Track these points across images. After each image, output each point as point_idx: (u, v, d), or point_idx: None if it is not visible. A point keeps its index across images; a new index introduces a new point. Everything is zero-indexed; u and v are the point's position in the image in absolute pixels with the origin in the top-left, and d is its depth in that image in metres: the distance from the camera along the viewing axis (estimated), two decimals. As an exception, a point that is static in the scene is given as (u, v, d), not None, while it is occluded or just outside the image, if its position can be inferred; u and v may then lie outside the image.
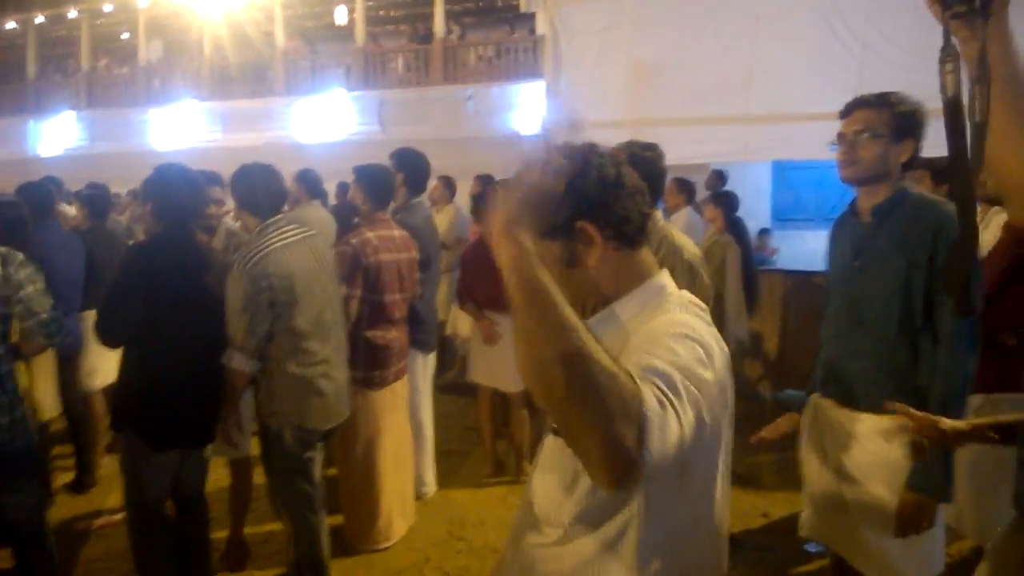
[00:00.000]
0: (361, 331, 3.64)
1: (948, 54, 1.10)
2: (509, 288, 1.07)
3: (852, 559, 2.45)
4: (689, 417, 1.09)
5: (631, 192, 1.32)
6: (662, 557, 1.29)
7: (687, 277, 2.74)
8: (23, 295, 2.81)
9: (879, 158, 2.29)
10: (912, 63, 6.34)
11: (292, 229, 3.23)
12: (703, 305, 1.37)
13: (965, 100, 1.14)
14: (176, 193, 3.05)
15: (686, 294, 1.37)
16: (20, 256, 2.86)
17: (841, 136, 2.34)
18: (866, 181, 2.35)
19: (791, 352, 6.11)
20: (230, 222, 4.01)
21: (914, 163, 2.38)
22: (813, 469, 2.56)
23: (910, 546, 2.28)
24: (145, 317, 2.88)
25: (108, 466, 4.87)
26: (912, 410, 1.95)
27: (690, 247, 2.85)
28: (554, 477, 1.35)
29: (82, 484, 4.66)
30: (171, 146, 14.36)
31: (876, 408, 2.31)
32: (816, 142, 7.70)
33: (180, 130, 14.83)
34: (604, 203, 1.29)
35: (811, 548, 3.80)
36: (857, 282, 2.39)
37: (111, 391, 4.90)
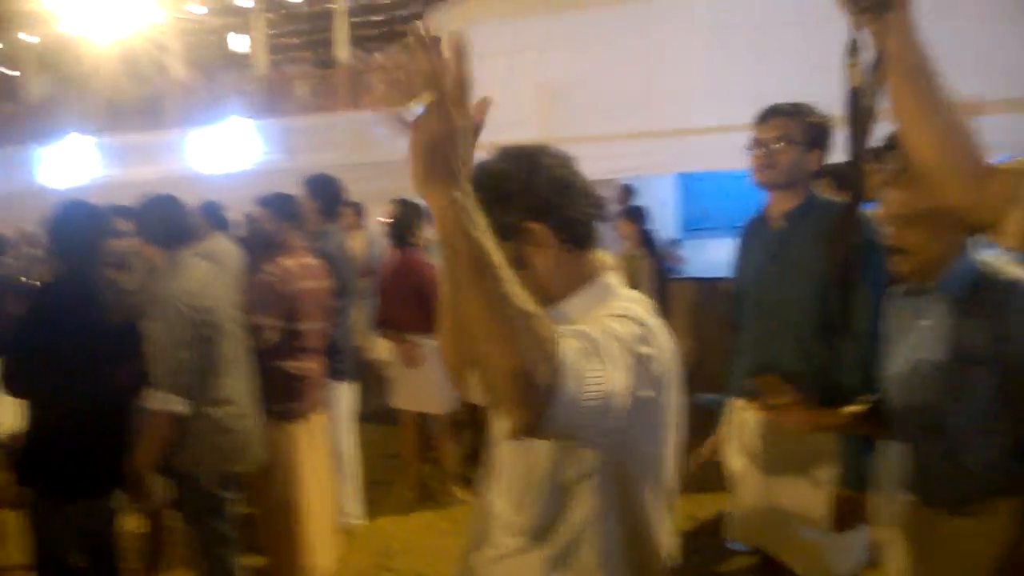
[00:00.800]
0: (278, 361, 3.54)
1: (852, 47, 1.17)
2: (440, 238, 1.05)
3: (785, 556, 2.50)
4: (619, 379, 1.08)
5: (582, 194, 1.31)
6: (619, 564, 1.28)
7: None
8: None
9: (793, 165, 2.36)
10: (803, 74, 6.65)
11: (203, 262, 3.17)
12: (649, 301, 1.38)
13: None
14: (81, 230, 2.91)
15: (633, 292, 1.37)
16: None
17: (757, 141, 2.40)
18: (780, 186, 2.42)
19: (705, 357, 6.26)
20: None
21: (821, 172, 2.48)
22: (740, 472, 2.59)
23: (839, 539, 2.35)
24: (51, 362, 2.74)
25: (9, 523, 4.58)
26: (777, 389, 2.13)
27: (609, 260, 2.88)
28: (508, 483, 1.33)
29: (-19, 544, 4.36)
30: (63, 183, 13.73)
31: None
32: (718, 153, 7.98)
33: (72, 166, 14.20)
34: (556, 204, 1.28)
35: (737, 547, 3.88)
36: (773, 287, 2.44)
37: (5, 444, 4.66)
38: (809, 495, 2.38)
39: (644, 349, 1.16)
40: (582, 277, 1.34)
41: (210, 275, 3.09)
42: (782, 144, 2.34)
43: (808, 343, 2.37)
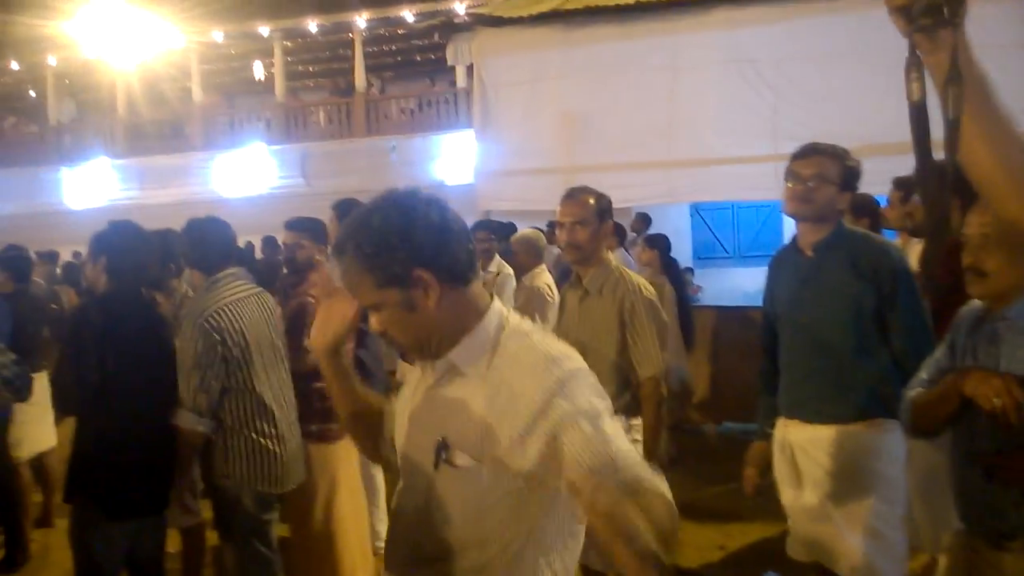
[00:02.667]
0: (317, 383, 3.59)
1: (913, 63, 1.18)
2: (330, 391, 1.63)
3: (836, 566, 2.57)
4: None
5: (458, 235, 1.39)
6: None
7: (651, 314, 2.87)
8: None
9: (829, 202, 2.53)
10: (821, 109, 6.76)
11: (241, 285, 3.21)
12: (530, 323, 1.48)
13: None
14: (131, 250, 3.00)
15: (515, 315, 1.47)
16: None
17: (796, 175, 2.55)
18: (814, 220, 2.58)
19: (725, 385, 6.30)
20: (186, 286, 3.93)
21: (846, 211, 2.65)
22: (791, 490, 2.69)
23: (886, 549, 2.47)
24: (99, 379, 2.80)
25: (38, 540, 4.63)
26: None
27: (647, 286, 2.99)
28: (450, 506, 1.39)
29: (14, 561, 4.39)
30: (85, 204, 13.92)
31: (841, 420, 2.52)
32: (735, 184, 8.04)
33: (94, 188, 14.40)
34: (435, 249, 1.36)
35: (770, 576, 3.89)
36: (810, 311, 2.59)
37: (36, 462, 4.72)
38: (858, 502, 2.49)
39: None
40: (472, 311, 1.41)
41: (242, 297, 3.14)
42: (821, 181, 2.51)
43: (847, 361, 2.52)
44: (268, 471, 3.11)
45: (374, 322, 1.41)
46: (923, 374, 2.07)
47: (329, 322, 1.56)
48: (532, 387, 1.30)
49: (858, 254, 2.53)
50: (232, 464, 3.05)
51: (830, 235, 2.57)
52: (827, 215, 2.55)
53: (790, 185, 2.57)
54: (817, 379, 2.57)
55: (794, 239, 2.72)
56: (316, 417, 3.57)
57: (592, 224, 2.98)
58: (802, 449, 2.61)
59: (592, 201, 3.02)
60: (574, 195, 3.06)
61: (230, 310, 3.04)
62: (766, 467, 2.79)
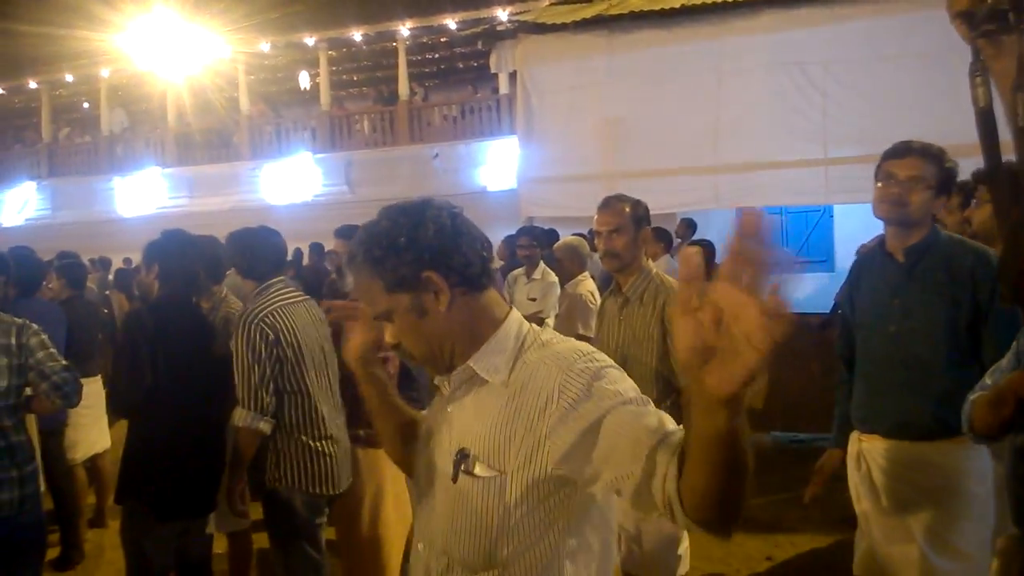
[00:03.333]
0: (364, 388, 3.61)
1: (977, 69, 1.16)
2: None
3: None
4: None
5: (470, 239, 1.36)
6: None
7: None
8: (33, 361, 2.75)
9: (925, 206, 2.37)
10: (872, 110, 6.64)
11: (291, 291, 3.24)
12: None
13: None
14: (182, 258, 3.06)
15: (536, 327, 1.42)
16: (34, 326, 2.82)
17: (890, 175, 2.38)
18: (908, 225, 2.42)
19: (774, 394, 6.19)
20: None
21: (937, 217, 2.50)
22: (869, 508, 2.54)
23: (973, 570, 2.34)
24: (151, 382, 2.86)
25: (92, 540, 4.73)
26: None
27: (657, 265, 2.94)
28: (468, 522, 1.34)
29: (69, 560, 4.49)
30: (136, 212, 14.26)
31: (928, 437, 2.37)
32: (783, 189, 7.91)
33: (145, 197, 14.75)
34: (445, 251, 1.32)
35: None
36: (899, 320, 2.43)
37: (90, 464, 4.84)
38: (945, 522, 2.36)
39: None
40: (487, 319, 1.38)
41: (293, 302, 3.16)
42: (918, 185, 2.35)
43: (936, 375, 2.36)
44: (321, 473, 3.11)
45: (388, 334, 1.39)
46: (988, 379, 1.98)
47: (358, 332, 1.55)
48: (568, 378, 1.26)
49: (956, 260, 2.37)
50: (284, 467, 3.06)
51: (924, 239, 2.41)
52: (921, 219, 2.40)
53: (881, 186, 2.40)
54: (902, 393, 2.40)
55: (881, 243, 2.55)
56: (364, 422, 3.58)
57: (629, 231, 2.94)
58: (881, 466, 2.47)
59: (628, 209, 2.96)
60: (609, 203, 3.00)
61: (282, 312, 3.07)
62: (831, 478, 2.67)
